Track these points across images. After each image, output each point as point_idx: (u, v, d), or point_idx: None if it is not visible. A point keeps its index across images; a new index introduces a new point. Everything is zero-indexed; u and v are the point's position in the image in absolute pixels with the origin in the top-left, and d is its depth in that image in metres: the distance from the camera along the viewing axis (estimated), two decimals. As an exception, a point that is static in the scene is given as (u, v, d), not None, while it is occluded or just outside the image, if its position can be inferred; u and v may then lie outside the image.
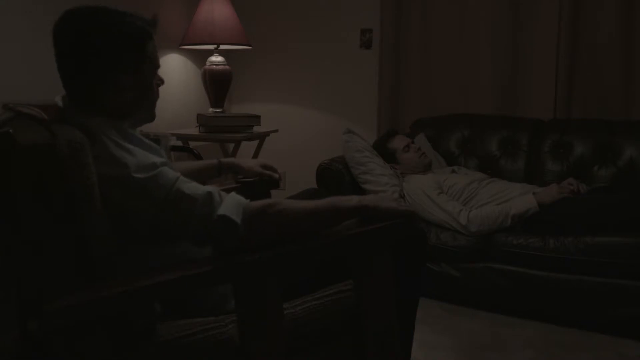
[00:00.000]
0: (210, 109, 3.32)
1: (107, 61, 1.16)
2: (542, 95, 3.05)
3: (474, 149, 2.99)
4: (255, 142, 3.44)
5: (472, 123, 3.05)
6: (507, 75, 3.12)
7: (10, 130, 0.92)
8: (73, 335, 0.93)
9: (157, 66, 1.26)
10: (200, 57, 3.49)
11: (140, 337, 1.08)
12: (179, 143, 3.21)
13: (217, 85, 3.29)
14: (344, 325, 1.24)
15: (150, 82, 1.25)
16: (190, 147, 3.20)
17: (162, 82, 1.30)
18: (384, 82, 3.39)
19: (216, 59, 3.28)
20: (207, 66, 3.29)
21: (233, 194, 1.13)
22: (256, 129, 3.29)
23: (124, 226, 1.09)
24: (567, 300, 2.24)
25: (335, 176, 2.75)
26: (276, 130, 3.50)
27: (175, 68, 3.46)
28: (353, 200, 1.18)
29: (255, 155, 3.44)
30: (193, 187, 1.12)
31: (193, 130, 3.30)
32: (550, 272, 2.26)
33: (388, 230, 1.19)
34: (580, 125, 2.84)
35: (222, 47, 3.29)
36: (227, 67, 3.30)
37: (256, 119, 3.26)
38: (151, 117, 1.30)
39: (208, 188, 1.13)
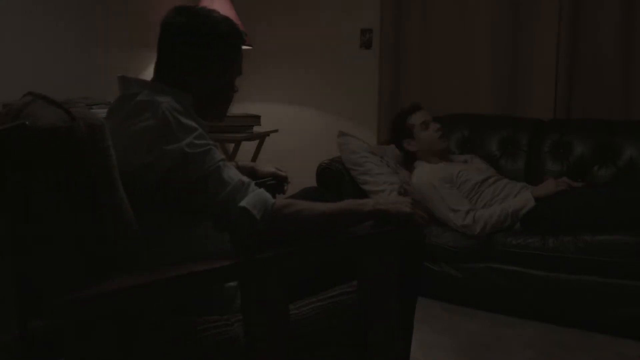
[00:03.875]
0: (210, 109, 3.32)
1: (207, 51, 1.32)
2: (542, 95, 3.05)
3: (474, 149, 2.99)
4: (255, 142, 3.44)
5: (472, 123, 3.05)
6: (507, 75, 3.12)
7: (27, 122, 0.93)
8: (79, 330, 0.94)
9: (240, 72, 1.42)
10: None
11: (148, 332, 1.09)
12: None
13: (217, 85, 3.29)
14: (347, 327, 1.25)
15: (230, 82, 1.40)
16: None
17: (237, 89, 1.44)
18: (384, 82, 3.39)
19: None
20: (207, 66, 3.29)
21: (262, 190, 1.17)
22: (256, 129, 3.30)
23: (148, 206, 1.14)
24: (567, 300, 2.24)
25: (335, 176, 2.75)
26: (276, 130, 3.50)
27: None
28: (369, 204, 1.22)
29: (255, 155, 3.44)
30: (230, 173, 1.17)
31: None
32: (550, 272, 2.26)
33: (393, 234, 1.21)
34: (580, 125, 2.84)
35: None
36: (227, 67, 3.30)
37: (256, 119, 3.26)
38: (221, 115, 1.43)
39: (244, 178, 1.17)
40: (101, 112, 2.43)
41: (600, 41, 2.91)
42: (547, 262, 2.26)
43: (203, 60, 1.33)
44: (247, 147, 3.51)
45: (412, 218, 1.22)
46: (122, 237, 1.06)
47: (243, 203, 1.12)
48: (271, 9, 3.71)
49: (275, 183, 1.80)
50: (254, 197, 1.14)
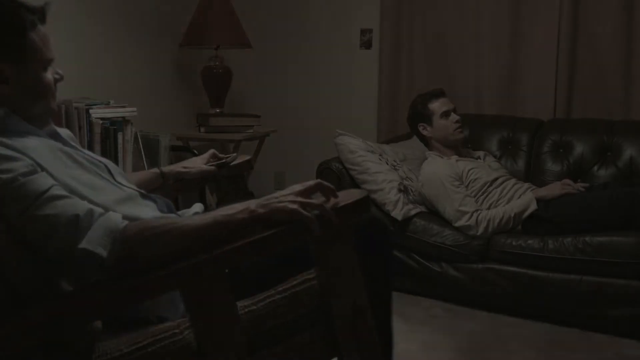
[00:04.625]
0: (210, 109, 3.33)
1: None
2: (542, 95, 3.05)
3: (474, 149, 2.99)
4: (255, 142, 3.45)
5: (472, 123, 3.05)
6: (507, 75, 3.12)
7: None
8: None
9: (47, 58, 1.20)
10: (200, 57, 3.49)
11: (80, 358, 1.03)
12: (179, 143, 3.21)
13: (217, 85, 3.30)
14: (312, 315, 1.19)
15: (37, 74, 1.18)
16: (190, 147, 3.21)
17: (59, 76, 1.25)
18: (384, 82, 3.39)
19: (216, 59, 3.28)
20: (207, 66, 3.29)
21: (107, 217, 1.04)
22: (256, 129, 3.30)
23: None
24: (567, 300, 2.24)
25: (335, 176, 2.74)
26: (276, 130, 3.50)
27: (175, 68, 3.46)
28: (246, 210, 1.08)
29: (255, 155, 3.43)
30: (62, 205, 1.02)
31: (193, 130, 3.30)
32: (550, 272, 2.26)
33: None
34: (580, 125, 2.83)
35: (222, 47, 3.29)
36: (227, 67, 3.30)
37: (256, 119, 3.27)
38: (48, 111, 1.24)
39: (79, 209, 1.02)
40: (100, 113, 2.44)
41: (600, 41, 2.91)
42: (547, 263, 2.26)
43: None
44: (247, 147, 3.51)
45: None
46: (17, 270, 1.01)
47: (83, 244, 0.99)
48: (271, 9, 3.71)
49: (241, 162, 1.72)
50: (97, 230, 1.00)
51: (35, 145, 1.11)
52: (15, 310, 0.98)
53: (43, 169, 1.07)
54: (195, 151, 3.01)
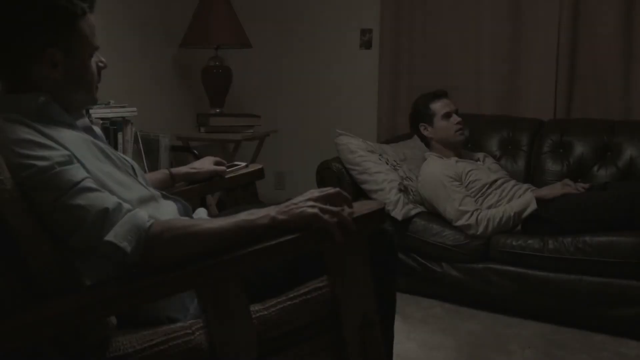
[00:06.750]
0: (210, 109, 3.33)
1: (35, 33, 1.12)
2: (542, 95, 3.05)
3: (474, 150, 2.99)
4: (255, 142, 3.45)
5: (472, 123, 3.05)
6: (507, 75, 3.12)
7: None
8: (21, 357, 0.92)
9: (94, 46, 1.22)
10: (200, 57, 3.50)
11: (94, 352, 1.03)
12: (179, 143, 3.22)
13: (217, 85, 3.30)
14: (321, 323, 1.20)
15: (84, 62, 1.21)
16: (190, 147, 3.21)
17: (103, 64, 1.27)
18: (384, 82, 3.39)
19: (216, 58, 3.28)
20: (207, 66, 3.29)
21: (134, 213, 1.06)
22: (256, 129, 3.30)
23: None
24: (567, 300, 2.24)
25: (335, 176, 2.74)
26: (276, 130, 3.50)
27: (175, 68, 3.46)
28: (267, 217, 1.09)
29: (255, 155, 3.44)
30: (93, 198, 1.04)
31: (193, 130, 3.30)
32: (550, 272, 2.26)
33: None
34: (580, 125, 2.84)
35: (222, 47, 3.29)
36: (227, 67, 3.30)
37: (256, 119, 3.27)
38: (91, 100, 1.28)
39: (108, 203, 1.05)
40: (100, 113, 2.44)
41: (600, 41, 2.91)
42: (547, 262, 2.26)
43: (34, 43, 1.12)
44: (247, 147, 3.52)
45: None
46: (41, 265, 1.01)
47: (109, 237, 1.01)
48: (271, 9, 3.72)
49: (253, 170, 1.74)
50: (124, 225, 1.03)
51: (71, 137, 1.13)
52: (35, 301, 0.99)
53: (78, 160, 1.09)
54: (195, 151, 3.02)
